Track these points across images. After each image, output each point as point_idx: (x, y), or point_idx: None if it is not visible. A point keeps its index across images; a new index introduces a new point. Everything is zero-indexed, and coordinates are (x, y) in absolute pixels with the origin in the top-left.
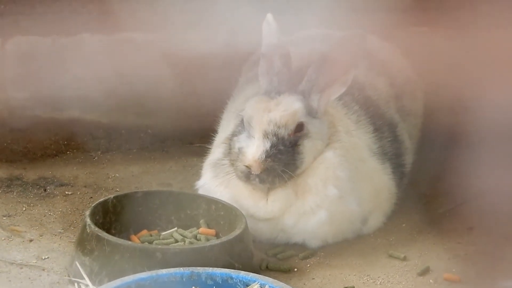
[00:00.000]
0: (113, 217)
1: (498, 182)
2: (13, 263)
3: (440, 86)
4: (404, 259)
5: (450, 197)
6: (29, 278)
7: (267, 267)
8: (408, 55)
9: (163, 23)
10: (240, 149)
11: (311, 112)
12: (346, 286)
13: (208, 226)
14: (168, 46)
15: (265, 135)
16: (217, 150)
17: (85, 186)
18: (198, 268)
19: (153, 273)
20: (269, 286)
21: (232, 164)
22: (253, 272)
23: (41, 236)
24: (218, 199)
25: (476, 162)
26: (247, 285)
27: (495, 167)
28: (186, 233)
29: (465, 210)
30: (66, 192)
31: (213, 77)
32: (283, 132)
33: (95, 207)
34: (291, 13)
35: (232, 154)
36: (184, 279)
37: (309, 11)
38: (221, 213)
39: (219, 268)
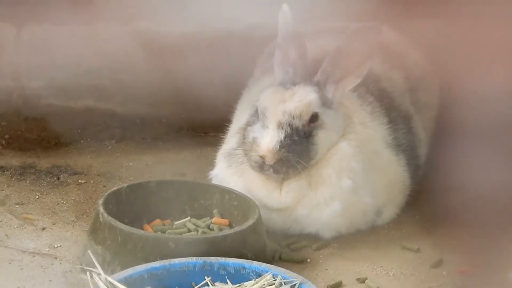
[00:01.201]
0: (126, 206)
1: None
2: (25, 251)
3: (453, 78)
4: (418, 251)
5: (464, 190)
6: (41, 266)
7: (280, 257)
8: (422, 47)
9: (180, 13)
10: (254, 139)
11: (325, 103)
12: (359, 277)
13: (222, 216)
14: (184, 37)
15: (280, 125)
16: (231, 140)
17: (98, 175)
18: (211, 258)
19: (166, 262)
20: (282, 277)
21: (246, 154)
22: (266, 263)
23: (53, 224)
24: (231, 189)
25: (491, 155)
26: (260, 276)
27: (510, 160)
28: (199, 222)
29: (479, 203)
30: (80, 181)
31: (227, 67)
32: (298, 123)
33: (108, 196)
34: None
35: (246, 144)
36: (196, 269)
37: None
38: (235, 203)
39: (232, 258)
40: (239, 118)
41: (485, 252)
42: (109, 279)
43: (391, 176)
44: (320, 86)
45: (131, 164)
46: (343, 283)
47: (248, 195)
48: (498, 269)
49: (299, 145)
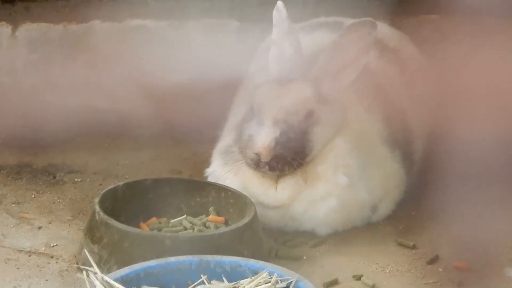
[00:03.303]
0: (122, 204)
1: None
2: (21, 250)
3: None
4: (414, 247)
5: (459, 185)
6: (38, 265)
7: (276, 254)
8: (418, 43)
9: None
10: (250, 136)
11: (321, 99)
12: (355, 274)
13: (218, 214)
14: (184, 33)
15: (275, 122)
16: (227, 137)
17: (94, 173)
18: (207, 255)
19: (162, 260)
20: (278, 274)
21: (242, 152)
22: (262, 260)
23: (50, 223)
24: (227, 186)
25: (485, 152)
26: (256, 273)
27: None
28: (196, 220)
29: (474, 198)
30: (76, 179)
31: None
32: (293, 119)
33: (105, 194)
34: None
35: (241, 141)
36: (193, 267)
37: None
38: (231, 201)
39: (228, 256)
40: (235, 115)
41: (482, 247)
42: (106, 278)
43: (387, 171)
44: (316, 82)
45: (127, 161)
46: (339, 280)
47: (244, 193)
48: (495, 264)
49: (295, 142)
